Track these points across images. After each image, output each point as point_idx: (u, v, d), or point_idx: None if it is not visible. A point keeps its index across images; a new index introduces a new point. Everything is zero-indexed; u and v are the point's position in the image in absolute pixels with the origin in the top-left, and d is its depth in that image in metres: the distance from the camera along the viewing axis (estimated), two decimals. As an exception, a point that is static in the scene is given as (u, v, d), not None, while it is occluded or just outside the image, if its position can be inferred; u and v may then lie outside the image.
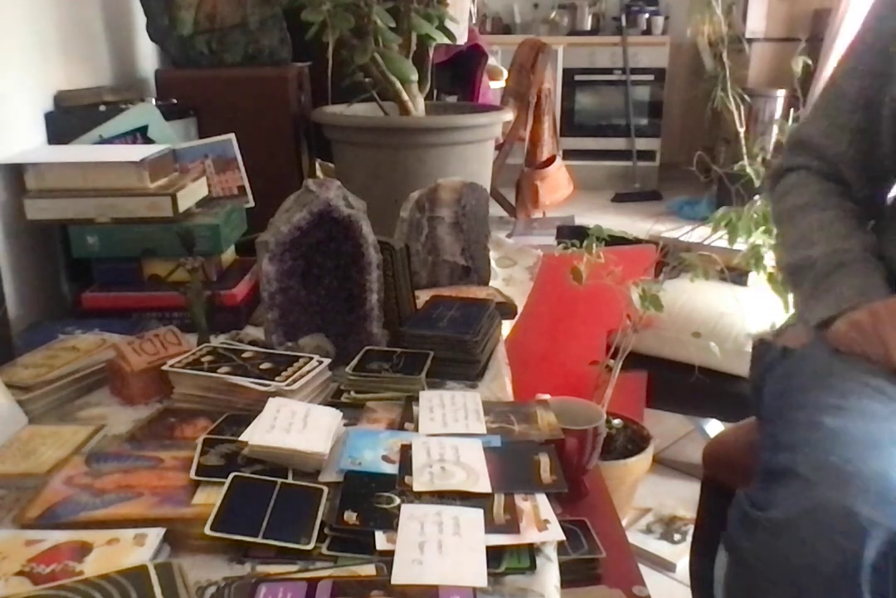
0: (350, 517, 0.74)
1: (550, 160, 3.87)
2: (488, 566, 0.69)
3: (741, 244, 1.71)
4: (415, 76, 1.83)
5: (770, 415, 0.94)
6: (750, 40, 4.26)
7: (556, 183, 3.85)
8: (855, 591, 0.69)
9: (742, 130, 3.15)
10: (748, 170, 2.03)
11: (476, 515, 0.75)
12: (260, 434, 0.84)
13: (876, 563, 0.69)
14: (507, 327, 1.30)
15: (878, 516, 0.70)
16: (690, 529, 1.66)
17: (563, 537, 0.74)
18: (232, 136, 1.50)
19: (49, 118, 1.46)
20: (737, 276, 1.96)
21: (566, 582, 0.74)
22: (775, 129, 3.56)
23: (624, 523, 1.69)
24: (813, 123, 1.10)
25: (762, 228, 1.67)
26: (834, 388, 0.87)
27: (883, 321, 0.88)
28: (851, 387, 0.86)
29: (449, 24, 1.86)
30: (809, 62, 2.81)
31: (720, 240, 1.76)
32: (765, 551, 0.74)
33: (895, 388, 0.85)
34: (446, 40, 1.86)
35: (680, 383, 1.81)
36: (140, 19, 1.84)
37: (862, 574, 0.69)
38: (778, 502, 0.76)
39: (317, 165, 2.07)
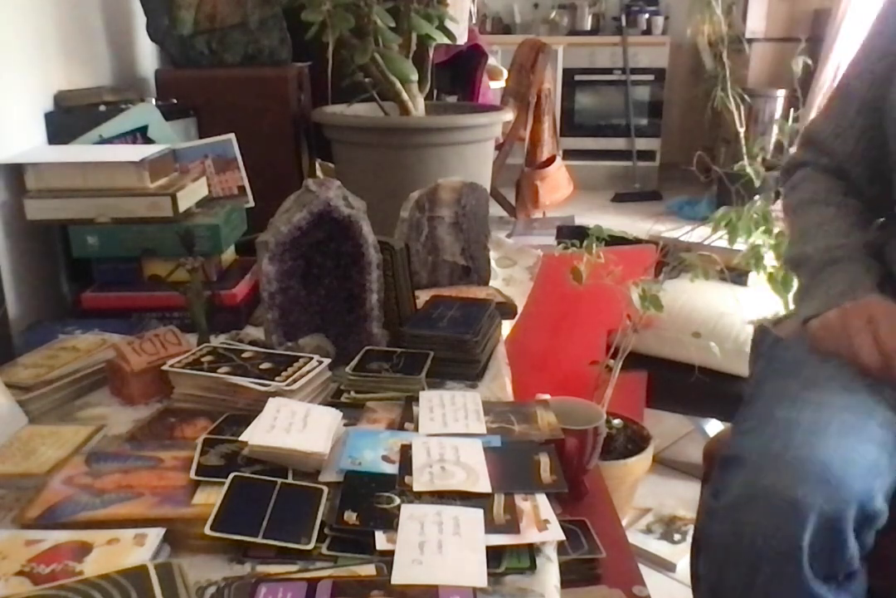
0: (350, 517, 0.74)
1: (550, 160, 3.87)
2: (488, 566, 0.69)
3: (741, 244, 1.71)
4: (415, 76, 1.83)
5: (744, 401, 0.96)
6: (750, 40, 4.25)
7: (556, 183, 3.84)
8: (797, 570, 0.73)
9: (742, 130, 3.15)
10: (748, 170, 2.02)
11: (476, 515, 0.75)
12: (260, 434, 0.84)
13: (813, 543, 0.73)
14: (507, 327, 1.30)
15: (814, 499, 0.73)
16: (690, 529, 1.66)
17: (563, 537, 0.74)
18: (232, 136, 1.50)
19: (49, 118, 1.45)
20: (737, 276, 1.96)
21: (566, 582, 0.74)
22: (775, 129, 3.56)
23: (624, 523, 1.69)
24: (823, 121, 1.11)
25: (762, 228, 1.67)
26: (799, 379, 0.90)
27: (851, 321, 0.90)
28: (815, 380, 0.88)
29: (449, 24, 1.86)
30: (809, 62, 2.81)
31: (720, 240, 1.76)
32: (722, 536, 0.78)
33: (858, 384, 0.87)
34: (446, 40, 1.86)
35: (680, 383, 1.81)
36: (140, 19, 1.84)
37: (802, 554, 0.72)
38: (728, 488, 0.79)
39: (317, 165, 2.07)
